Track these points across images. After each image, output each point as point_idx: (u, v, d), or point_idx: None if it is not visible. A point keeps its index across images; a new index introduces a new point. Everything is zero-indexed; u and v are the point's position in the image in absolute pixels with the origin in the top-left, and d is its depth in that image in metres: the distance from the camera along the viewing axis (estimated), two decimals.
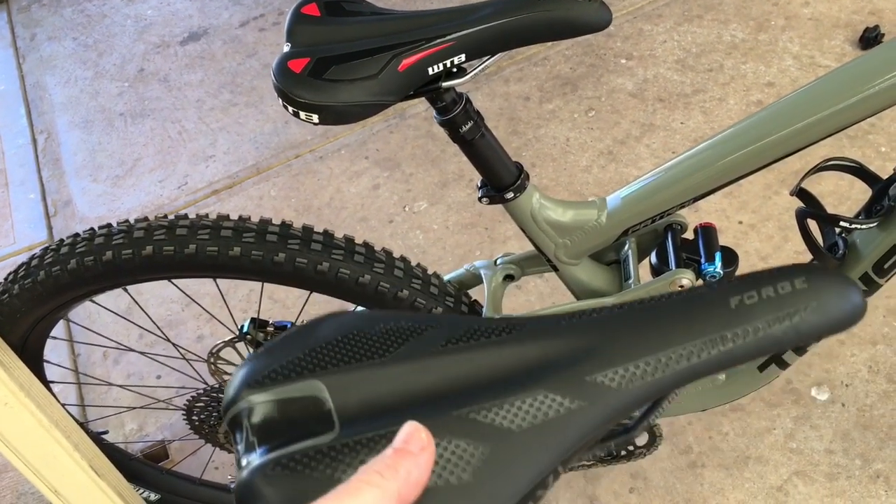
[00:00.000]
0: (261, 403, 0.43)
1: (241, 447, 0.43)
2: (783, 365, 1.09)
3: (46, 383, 1.25)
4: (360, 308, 1.10)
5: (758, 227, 1.91)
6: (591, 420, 0.42)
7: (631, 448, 1.23)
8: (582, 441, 0.43)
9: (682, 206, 0.99)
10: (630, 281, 1.04)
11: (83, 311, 1.95)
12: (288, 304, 1.92)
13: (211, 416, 1.31)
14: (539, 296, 1.86)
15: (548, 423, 0.42)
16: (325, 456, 0.40)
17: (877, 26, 2.31)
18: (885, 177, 0.93)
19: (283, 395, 0.43)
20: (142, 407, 1.66)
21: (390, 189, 2.18)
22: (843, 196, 1.93)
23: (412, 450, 0.36)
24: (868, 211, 0.93)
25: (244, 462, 0.42)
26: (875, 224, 0.91)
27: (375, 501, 0.34)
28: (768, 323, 0.43)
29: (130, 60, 2.82)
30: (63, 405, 1.16)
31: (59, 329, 1.71)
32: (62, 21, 3.08)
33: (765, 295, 0.43)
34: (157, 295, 1.98)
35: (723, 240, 1.88)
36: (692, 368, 0.43)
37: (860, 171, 0.94)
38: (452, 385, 0.44)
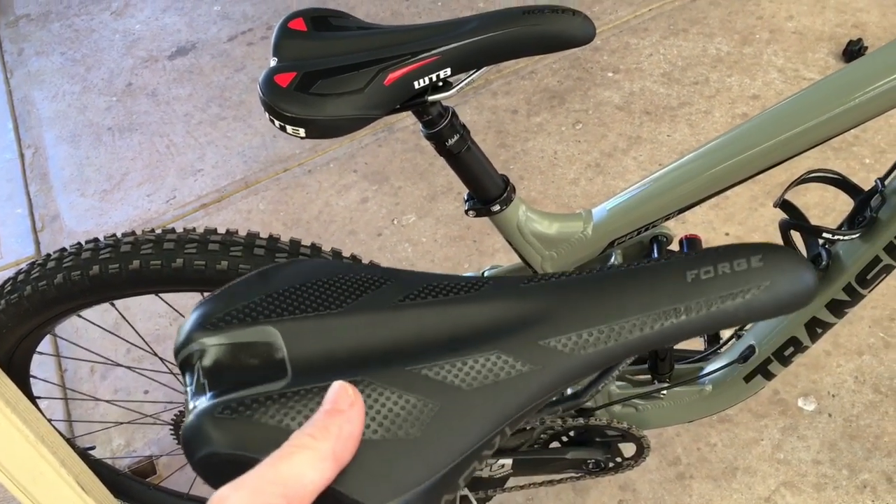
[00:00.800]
0: (213, 346, 0.42)
1: (191, 389, 0.42)
2: (769, 376, 1.10)
3: (33, 399, 1.24)
4: None
5: (744, 239, 1.92)
6: (540, 383, 0.43)
7: (619, 460, 1.23)
8: (531, 403, 0.43)
9: (667, 217, 1.00)
10: None
11: (70, 326, 1.94)
12: None
13: None
14: None
15: (498, 384, 0.42)
16: (275, 402, 0.40)
17: (860, 39, 2.33)
18: (867, 188, 0.94)
19: (236, 340, 0.43)
20: (129, 422, 1.65)
21: (379, 202, 2.19)
22: (828, 207, 1.95)
23: (341, 407, 0.38)
24: (851, 222, 0.94)
25: (192, 405, 0.41)
26: (857, 235, 0.92)
27: (309, 462, 0.35)
28: (721, 299, 0.44)
29: (118, 75, 2.82)
30: (49, 421, 1.16)
31: (45, 344, 1.70)
32: (50, 36, 3.08)
33: (721, 271, 0.45)
34: (144, 309, 1.97)
35: None
36: (644, 338, 0.45)
37: (842, 183, 0.95)
38: (407, 340, 0.44)
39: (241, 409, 0.39)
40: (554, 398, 0.48)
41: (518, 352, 0.43)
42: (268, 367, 0.42)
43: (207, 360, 0.42)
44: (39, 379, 1.28)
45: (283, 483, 0.34)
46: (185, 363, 0.43)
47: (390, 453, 0.39)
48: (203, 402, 0.40)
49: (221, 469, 0.38)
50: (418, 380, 0.41)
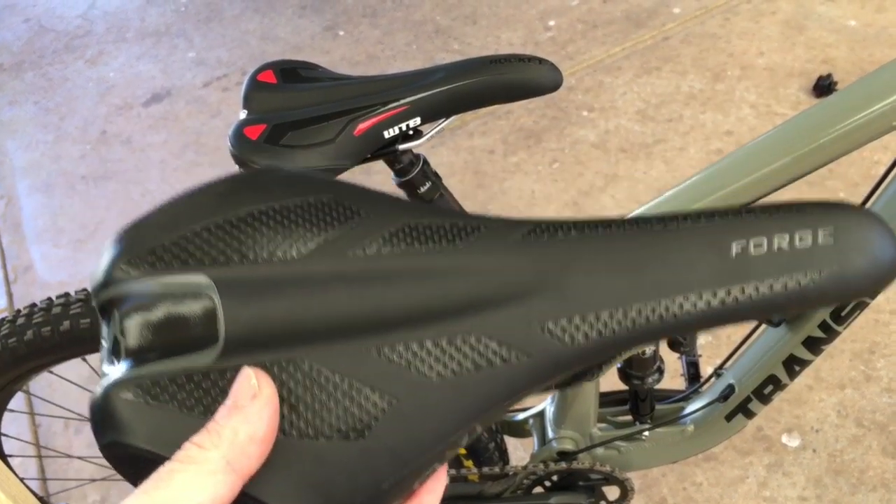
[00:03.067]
0: (135, 294, 0.33)
1: (106, 345, 0.34)
2: (749, 414, 1.09)
3: (4, 458, 1.21)
4: None
5: None
6: (527, 376, 0.34)
7: (603, 503, 1.22)
8: (511, 399, 0.35)
9: None
10: None
11: (43, 381, 1.90)
12: None
13: None
14: None
15: (473, 375, 0.34)
16: (197, 386, 0.32)
17: (829, 74, 2.37)
18: None
19: (165, 288, 0.33)
20: (103, 479, 1.62)
21: None
22: None
23: (241, 403, 0.31)
24: None
25: (107, 369, 0.33)
26: None
27: (194, 481, 0.29)
28: (771, 285, 0.34)
29: (93, 123, 2.81)
30: (22, 480, 1.13)
31: (18, 400, 1.67)
32: (23, 85, 3.07)
33: (777, 245, 0.34)
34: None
35: None
36: (664, 326, 0.35)
37: None
38: (366, 309, 0.34)
39: (155, 390, 0.31)
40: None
41: (503, 336, 0.34)
42: (198, 328, 0.33)
43: (127, 314, 0.33)
44: (12, 437, 1.25)
45: None
46: (104, 308, 0.34)
47: (326, 455, 0.32)
48: (117, 369, 0.33)
49: (130, 462, 0.32)
50: (374, 363, 0.33)
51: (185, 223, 0.34)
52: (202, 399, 0.32)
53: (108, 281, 0.34)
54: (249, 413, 0.30)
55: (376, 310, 0.34)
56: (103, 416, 0.32)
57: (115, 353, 0.33)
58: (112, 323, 0.34)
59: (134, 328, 0.33)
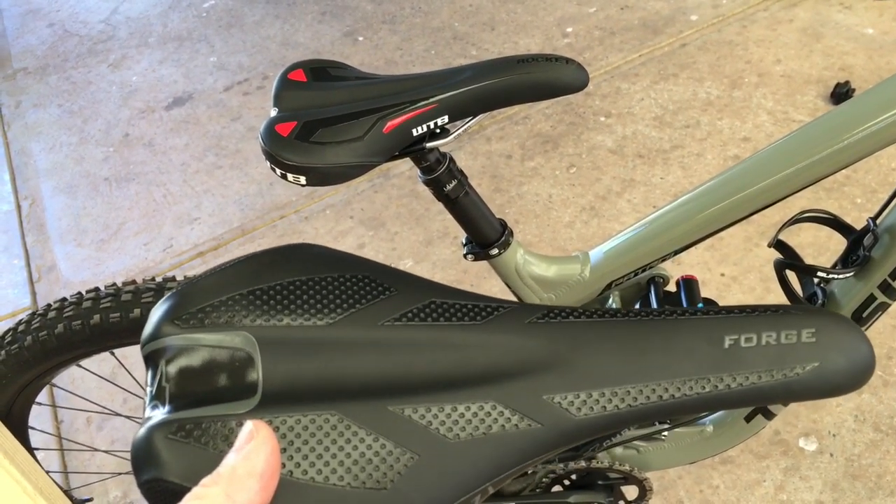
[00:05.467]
0: (181, 347, 0.37)
1: (150, 391, 0.37)
2: (769, 415, 1.10)
3: (31, 450, 1.23)
4: None
5: (739, 279, 1.93)
6: (537, 443, 0.38)
7: (622, 503, 1.22)
8: (522, 463, 0.38)
9: (663, 259, 1.01)
10: None
11: (67, 376, 1.93)
12: None
13: None
14: None
15: (489, 438, 0.37)
16: (234, 430, 0.35)
17: (847, 82, 2.37)
18: (859, 227, 0.95)
19: (208, 343, 0.37)
20: (126, 473, 1.64)
21: (375, 248, 2.20)
22: (822, 247, 1.96)
23: (239, 445, 0.34)
24: (844, 261, 0.95)
25: (149, 412, 0.36)
26: (851, 274, 0.93)
27: None
28: (759, 374, 0.38)
29: (115, 126, 2.85)
30: (47, 472, 1.15)
31: (41, 394, 1.69)
32: (48, 88, 3.11)
33: (765, 340, 0.39)
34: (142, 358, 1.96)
35: (705, 292, 1.90)
36: (662, 407, 0.39)
37: (834, 223, 0.96)
38: (394, 372, 0.38)
39: (196, 432, 0.35)
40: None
41: (517, 405, 0.38)
42: (238, 381, 0.37)
43: (173, 364, 0.37)
44: (36, 430, 1.27)
45: None
46: (151, 358, 0.38)
47: (351, 502, 0.35)
48: (160, 413, 0.36)
49: (166, 498, 0.34)
50: (399, 422, 0.36)
51: (230, 288, 0.39)
52: (233, 443, 0.35)
53: (156, 334, 0.38)
54: (247, 452, 0.33)
55: (402, 374, 0.38)
56: (146, 455, 0.35)
57: (159, 398, 0.37)
58: (157, 371, 0.37)
59: (178, 376, 0.37)
